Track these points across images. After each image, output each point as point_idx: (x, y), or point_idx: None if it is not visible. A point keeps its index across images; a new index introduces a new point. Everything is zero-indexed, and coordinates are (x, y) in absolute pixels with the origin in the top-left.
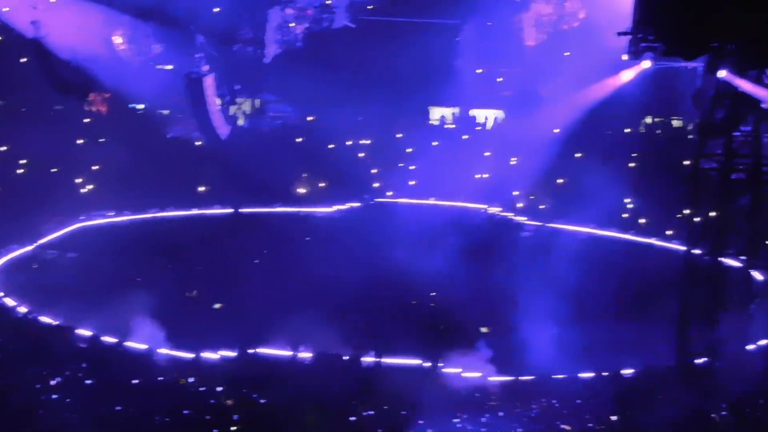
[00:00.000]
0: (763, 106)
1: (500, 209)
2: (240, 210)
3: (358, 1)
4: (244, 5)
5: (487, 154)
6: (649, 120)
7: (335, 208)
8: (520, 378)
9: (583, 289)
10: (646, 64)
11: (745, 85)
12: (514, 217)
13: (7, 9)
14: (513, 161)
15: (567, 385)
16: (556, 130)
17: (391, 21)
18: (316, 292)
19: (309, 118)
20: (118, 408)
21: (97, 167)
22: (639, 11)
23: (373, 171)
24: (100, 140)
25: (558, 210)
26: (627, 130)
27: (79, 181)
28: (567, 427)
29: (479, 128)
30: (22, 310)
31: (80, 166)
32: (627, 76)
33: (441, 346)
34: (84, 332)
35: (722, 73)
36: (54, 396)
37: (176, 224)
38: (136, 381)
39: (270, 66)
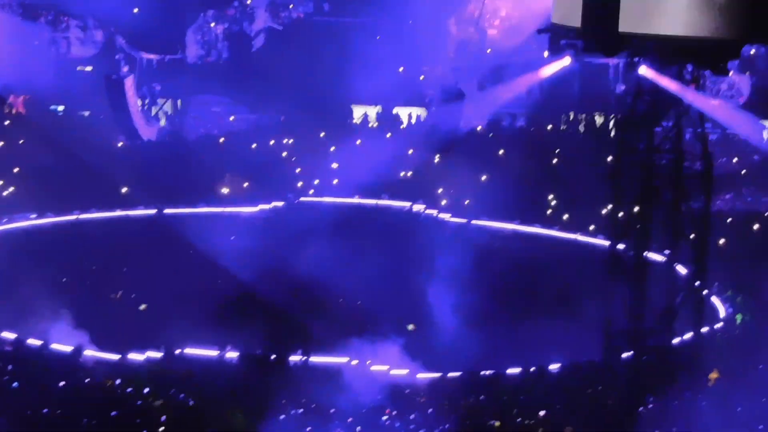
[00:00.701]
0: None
1: (424, 207)
2: (163, 211)
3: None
4: (164, 6)
5: (410, 152)
6: (571, 116)
7: (259, 207)
8: (448, 375)
9: (508, 286)
10: (566, 61)
11: (664, 82)
12: (437, 215)
13: None
14: (436, 159)
15: (494, 381)
16: (479, 127)
17: (312, 20)
18: (243, 292)
19: (231, 118)
20: (45, 411)
21: (17, 169)
22: (558, 8)
23: (297, 170)
24: (20, 142)
25: (482, 207)
26: (549, 127)
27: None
28: (496, 423)
29: (403, 126)
30: None
31: (0, 169)
32: (547, 72)
33: (367, 343)
34: (8, 335)
35: (642, 69)
36: None
37: (100, 226)
38: (62, 383)
39: (191, 66)
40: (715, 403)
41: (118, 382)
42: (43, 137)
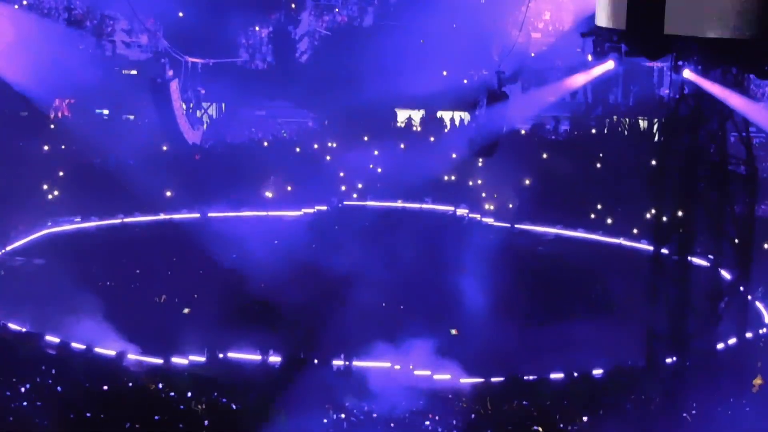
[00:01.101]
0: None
1: (467, 211)
2: (207, 214)
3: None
4: (209, 9)
5: (453, 155)
6: (614, 119)
7: (303, 211)
8: (491, 380)
9: (551, 290)
10: (610, 65)
11: (708, 85)
12: (481, 219)
13: None
14: (480, 162)
15: (538, 386)
16: (523, 131)
17: (356, 23)
18: (286, 296)
19: (278, 120)
20: (88, 414)
21: (62, 173)
22: (602, 11)
23: (341, 174)
24: (62, 147)
25: (525, 211)
26: (593, 131)
27: (45, 187)
28: (538, 429)
29: (446, 130)
30: None
31: (46, 172)
32: (591, 75)
33: (410, 347)
34: (52, 339)
35: (686, 73)
36: (23, 403)
37: (143, 229)
38: (105, 387)
39: (236, 70)
40: (759, 409)
41: (160, 385)
42: (87, 141)
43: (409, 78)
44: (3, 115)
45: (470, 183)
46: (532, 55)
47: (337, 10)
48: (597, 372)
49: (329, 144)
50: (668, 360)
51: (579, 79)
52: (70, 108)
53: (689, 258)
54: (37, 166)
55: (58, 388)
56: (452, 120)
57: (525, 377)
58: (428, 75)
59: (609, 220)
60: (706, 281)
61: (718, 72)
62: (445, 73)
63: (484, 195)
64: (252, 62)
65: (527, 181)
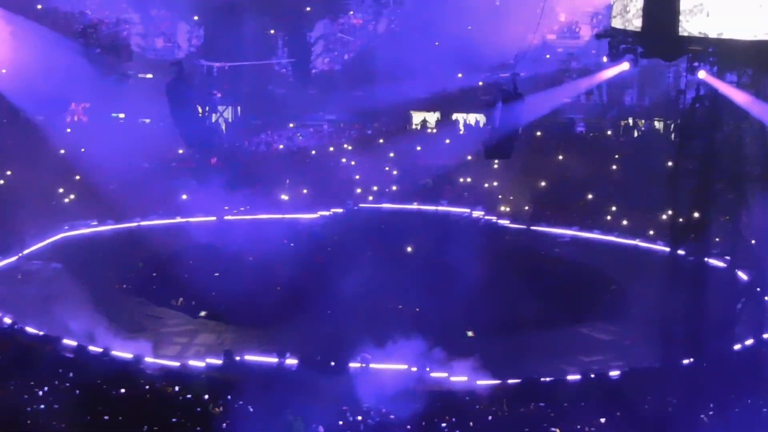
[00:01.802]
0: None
1: (483, 213)
2: (223, 217)
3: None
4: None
5: (469, 158)
6: (630, 121)
7: (319, 214)
8: (507, 381)
9: (567, 291)
10: (625, 66)
11: (722, 87)
12: (497, 221)
13: None
14: (495, 165)
15: (554, 387)
16: (538, 133)
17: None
18: (302, 298)
19: (290, 125)
20: (106, 417)
21: (78, 177)
22: (617, 13)
23: (356, 177)
24: (82, 150)
25: (541, 213)
26: (608, 132)
27: (61, 190)
28: (555, 430)
29: (461, 132)
30: (7, 321)
31: (62, 176)
32: (605, 77)
33: (428, 350)
34: (70, 342)
35: (702, 75)
36: (41, 406)
37: (160, 233)
38: (122, 390)
39: (248, 72)
40: None
41: (177, 388)
42: (103, 145)
43: (424, 80)
44: (19, 120)
45: (486, 185)
46: (548, 57)
47: (351, 12)
48: (614, 374)
49: (345, 146)
50: (685, 361)
51: (593, 81)
52: (86, 112)
53: (705, 259)
54: (53, 170)
55: (76, 392)
56: (466, 122)
57: (542, 379)
58: (443, 77)
59: (625, 222)
60: (723, 282)
61: (734, 73)
62: (460, 75)
63: (500, 197)
64: (267, 65)
65: (543, 183)
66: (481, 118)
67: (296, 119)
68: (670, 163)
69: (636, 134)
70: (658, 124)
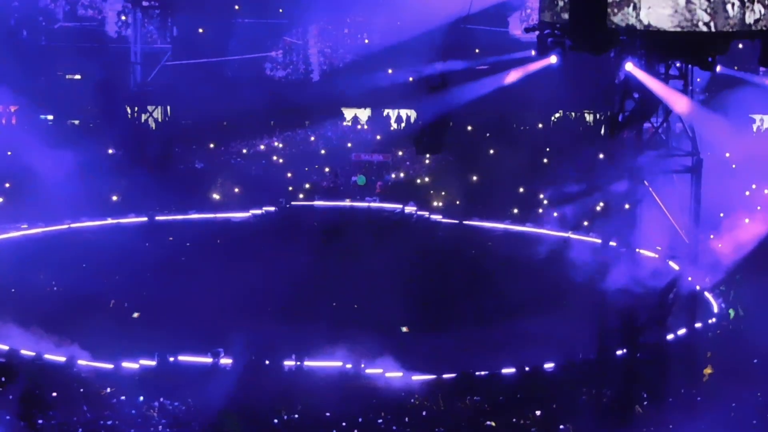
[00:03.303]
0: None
1: (415, 209)
2: (155, 218)
3: None
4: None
5: (400, 153)
6: (560, 113)
7: (251, 212)
8: (443, 376)
9: (500, 285)
10: (553, 59)
11: (647, 81)
12: (429, 216)
13: None
14: (427, 159)
15: (489, 381)
16: (469, 128)
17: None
18: (235, 298)
19: (224, 123)
20: (40, 421)
21: (8, 184)
22: (545, 5)
23: (288, 175)
24: (8, 153)
25: (473, 207)
26: (540, 125)
27: None
28: (491, 424)
29: (393, 128)
30: None
31: None
32: (528, 70)
33: (361, 346)
34: (1, 347)
35: (629, 66)
36: None
37: (91, 234)
38: (54, 393)
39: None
40: (710, 399)
41: (109, 390)
42: (32, 147)
43: (355, 77)
44: None
45: (418, 181)
46: (477, 51)
47: (281, 11)
48: (549, 366)
49: (276, 144)
50: (619, 352)
51: (518, 73)
52: (14, 114)
53: (637, 250)
54: None
55: (9, 396)
56: (399, 117)
57: (477, 373)
58: (374, 73)
59: (555, 214)
60: (655, 273)
61: (663, 66)
62: (390, 70)
63: (432, 192)
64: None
65: (474, 177)
66: (412, 113)
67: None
68: (600, 156)
69: (569, 126)
70: (589, 116)
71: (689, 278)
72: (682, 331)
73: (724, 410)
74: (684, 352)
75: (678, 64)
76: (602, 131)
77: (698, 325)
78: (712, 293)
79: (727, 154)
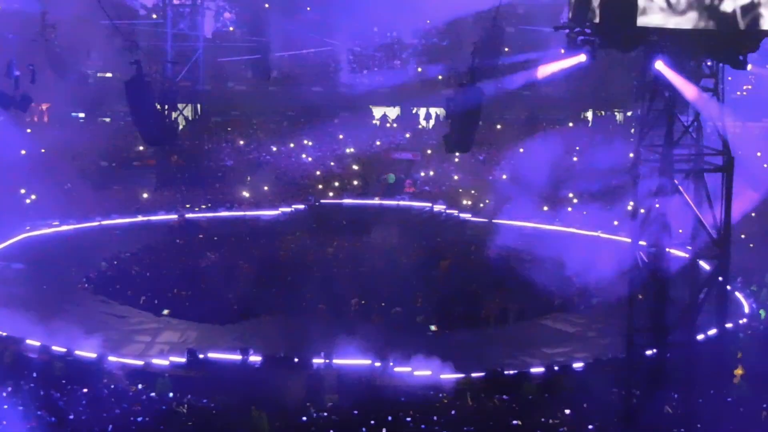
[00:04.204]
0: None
1: (444, 207)
2: (185, 215)
3: None
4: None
5: (428, 152)
6: (590, 111)
7: (280, 210)
8: (471, 375)
9: (531, 283)
10: (582, 58)
11: (674, 80)
12: (458, 214)
13: None
14: (456, 159)
15: (518, 380)
16: (498, 126)
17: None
18: (264, 295)
19: (254, 122)
20: (70, 417)
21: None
22: (575, 4)
23: (317, 173)
24: (42, 150)
25: (502, 205)
26: (570, 124)
27: (23, 191)
28: (518, 423)
29: (421, 126)
30: None
31: (24, 176)
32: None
33: (391, 345)
34: (33, 342)
35: (658, 65)
36: (4, 406)
37: (121, 232)
38: (85, 390)
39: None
40: (740, 400)
41: (140, 387)
42: (63, 145)
43: (384, 75)
44: None
45: (447, 179)
46: (506, 50)
47: (309, 9)
48: (577, 366)
49: (305, 142)
50: (648, 352)
51: (547, 70)
52: (46, 112)
53: (667, 249)
54: (13, 170)
55: (40, 392)
56: (428, 115)
57: (505, 372)
58: (403, 72)
59: (585, 213)
60: (685, 273)
61: (692, 64)
62: (420, 69)
63: (460, 190)
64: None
65: (504, 176)
66: (442, 112)
67: (257, 116)
68: (631, 154)
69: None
70: (619, 115)
71: (719, 278)
72: (712, 332)
73: (754, 412)
74: (714, 352)
75: (709, 63)
76: (632, 129)
77: (729, 325)
78: (743, 293)
79: (759, 153)
